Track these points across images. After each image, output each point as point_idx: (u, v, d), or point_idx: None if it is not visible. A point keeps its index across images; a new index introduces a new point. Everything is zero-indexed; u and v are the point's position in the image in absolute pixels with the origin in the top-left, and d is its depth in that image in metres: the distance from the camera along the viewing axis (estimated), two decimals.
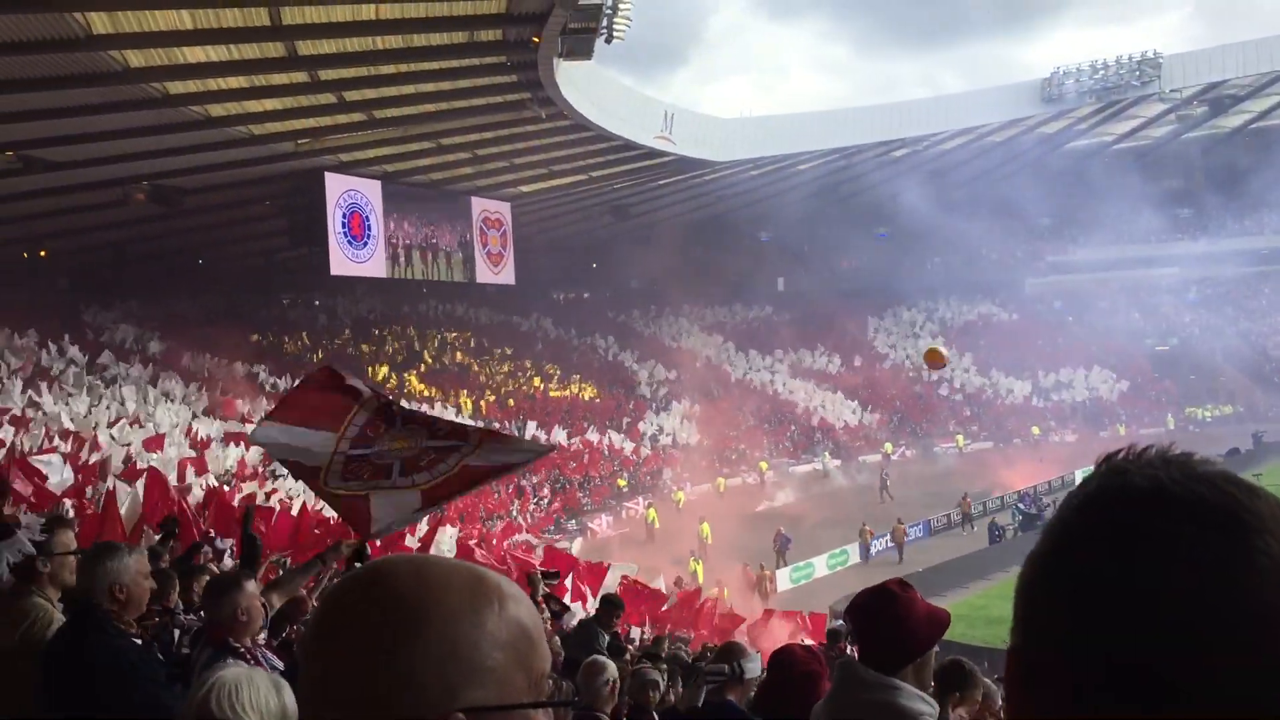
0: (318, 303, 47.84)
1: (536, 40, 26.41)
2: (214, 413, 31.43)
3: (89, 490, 14.81)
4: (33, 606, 4.09)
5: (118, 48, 22.55)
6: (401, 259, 39.91)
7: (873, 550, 32.76)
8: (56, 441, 20.39)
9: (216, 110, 27.51)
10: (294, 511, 15.98)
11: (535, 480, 37.05)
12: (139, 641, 3.91)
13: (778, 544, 31.48)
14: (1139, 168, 53.20)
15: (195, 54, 24.22)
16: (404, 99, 30.07)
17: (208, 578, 7.50)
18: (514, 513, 33.29)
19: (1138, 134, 56.09)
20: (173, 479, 18.00)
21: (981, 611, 20.89)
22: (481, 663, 1.00)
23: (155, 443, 23.16)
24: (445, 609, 1.00)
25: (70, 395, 27.59)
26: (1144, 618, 0.77)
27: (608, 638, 8.78)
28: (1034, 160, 54.77)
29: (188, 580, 7.38)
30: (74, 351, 32.13)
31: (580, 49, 28.35)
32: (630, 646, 11.18)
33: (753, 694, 4.76)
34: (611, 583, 17.15)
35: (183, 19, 22.48)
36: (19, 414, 23.49)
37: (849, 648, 10.03)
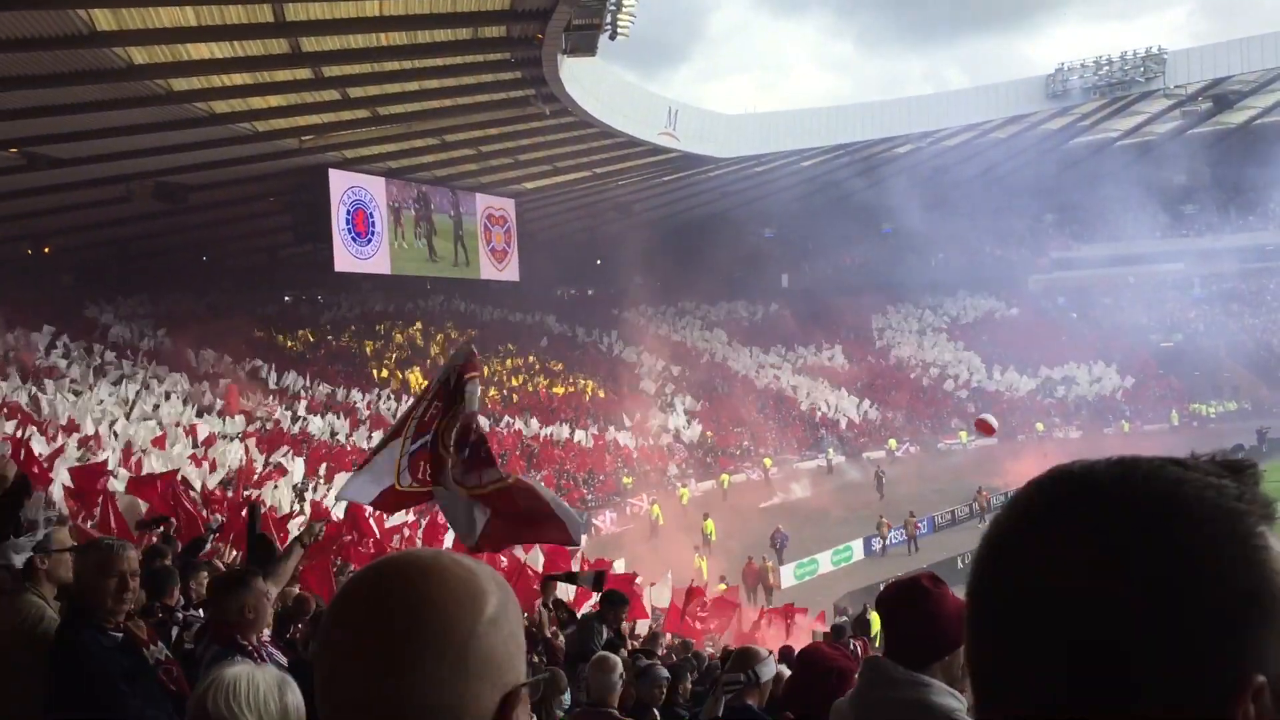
0: (321, 299, 47.85)
1: (540, 37, 26.37)
2: (216, 409, 31.44)
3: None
4: (26, 603, 4.10)
5: (121, 44, 22.58)
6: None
7: (890, 542, 32.97)
8: (60, 438, 20.39)
9: (220, 107, 27.54)
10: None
11: (540, 476, 37.06)
12: (119, 636, 3.92)
13: (775, 542, 31.44)
14: (1143, 164, 53.13)
15: (199, 50, 24.24)
16: (408, 95, 30.07)
17: (205, 574, 7.51)
18: None
19: (1142, 130, 55.98)
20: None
21: None
22: (514, 655, 1.08)
23: (159, 440, 23.18)
24: (470, 612, 1.05)
25: (74, 391, 27.60)
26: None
27: (607, 634, 8.78)
28: (1038, 156, 54.68)
29: (185, 577, 7.38)
30: (77, 348, 32.16)
31: (584, 45, 28.33)
32: (634, 642, 11.17)
33: (767, 694, 4.91)
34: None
35: (186, 15, 22.47)
36: (25, 409, 23.52)
37: (852, 643, 10.02)
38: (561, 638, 9.87)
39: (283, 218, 38.01)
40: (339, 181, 36.05)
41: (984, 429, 21.81)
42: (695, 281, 56.13)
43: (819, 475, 44.45)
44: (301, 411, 33.96)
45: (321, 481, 24.66)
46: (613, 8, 28.07)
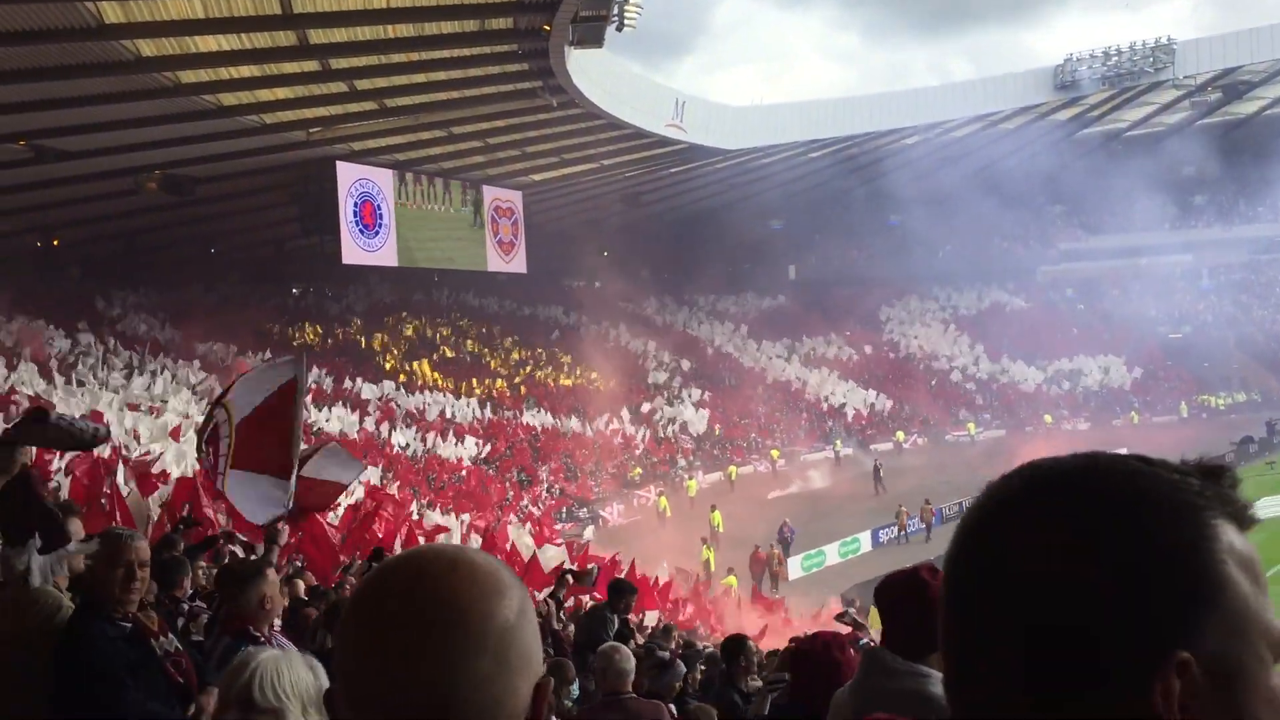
0: (329, 292, 47.85)
1: (547, 28, 26.34)
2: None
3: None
4: (41, 594, 4.12)
5: (129, 37, 22.57)
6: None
7: (909, 530, 33.17)
8: None
9: (228, 99, 27.53)
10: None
11: (549, 469, 37.11)
12: (127, 626, 3.92)
13: (783, 536, 31.40)
14: (1152, 155, 52.87)
15: (207, 43, 24.23)
16: (415, 87, 30.06)
17: (203, 566, 7.55)
18: (525, 503, 33.35)
19: (1151, 121, 55.76)
20: (181, 470, 18.06)
21: None
22: (539, 647, 1.09)
23: (173, 433, 23.25)
24: (504, 606, 1.05)
25: (82, 384, 27.67)
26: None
27: (617, 623, 8.83)
28: (1046, 148, 54.48)
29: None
30: (86, 340, 32.23)
31: (591, 37, 28.29)
32: (641, 635, 11.22)
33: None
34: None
35: (194, 8, 22.46)
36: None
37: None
38: (571, 628, 9.93)
39: (290, 210, 38.00)
40: (347, 174, 36.07)
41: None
42: (702, 273, 56.08)
43: (827, 467, 44.43)
44: (309, 403, 34.00)
45: None
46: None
